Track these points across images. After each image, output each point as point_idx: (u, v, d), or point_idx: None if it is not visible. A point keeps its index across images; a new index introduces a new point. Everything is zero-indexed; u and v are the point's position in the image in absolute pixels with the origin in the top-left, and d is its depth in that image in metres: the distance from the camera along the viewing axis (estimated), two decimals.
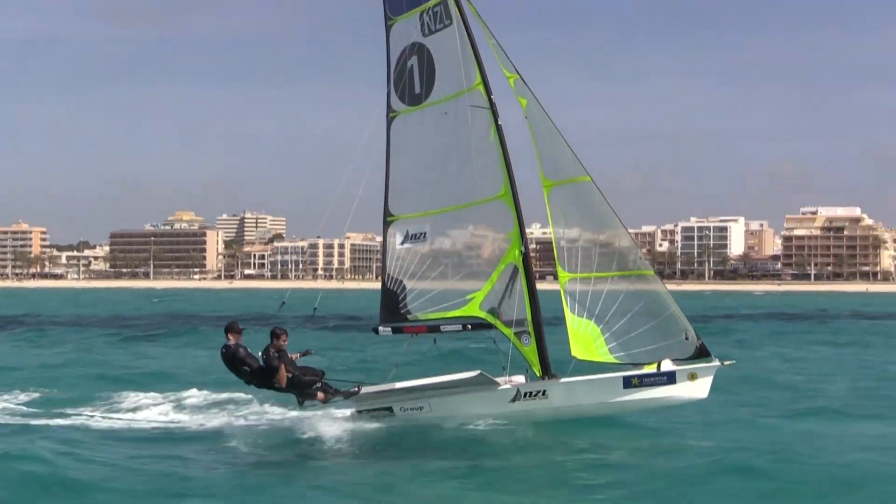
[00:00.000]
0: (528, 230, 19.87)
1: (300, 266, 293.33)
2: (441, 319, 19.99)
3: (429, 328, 20.12)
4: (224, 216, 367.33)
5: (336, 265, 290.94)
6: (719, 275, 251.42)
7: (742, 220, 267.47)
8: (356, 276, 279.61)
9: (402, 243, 20.73)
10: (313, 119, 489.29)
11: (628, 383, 18.51)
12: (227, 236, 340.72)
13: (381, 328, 20.62)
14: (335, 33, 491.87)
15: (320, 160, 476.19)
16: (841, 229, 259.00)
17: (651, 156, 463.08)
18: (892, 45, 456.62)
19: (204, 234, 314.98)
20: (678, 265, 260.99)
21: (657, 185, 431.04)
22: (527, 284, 19.22)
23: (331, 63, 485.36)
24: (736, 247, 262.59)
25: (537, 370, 19.00)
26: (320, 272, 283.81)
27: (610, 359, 19.12)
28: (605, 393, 18.64)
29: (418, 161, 20.67)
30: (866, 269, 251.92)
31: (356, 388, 19.12)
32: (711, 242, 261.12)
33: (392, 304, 20.69)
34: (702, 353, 18.58)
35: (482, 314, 19.54)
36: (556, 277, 19.44)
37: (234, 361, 18.87)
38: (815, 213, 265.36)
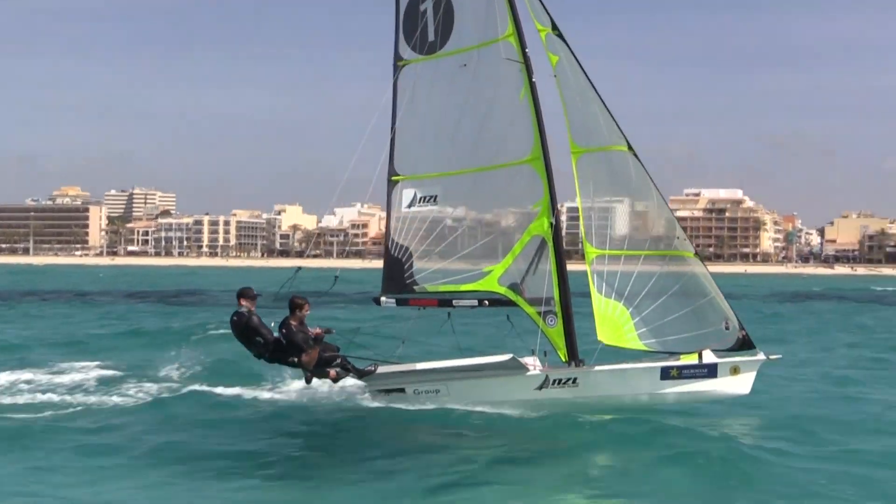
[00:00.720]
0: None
1: (184, 243, 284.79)
2: (454, 293, 18.16)
3: (440, 302, 18.24)
4: (112, 192, 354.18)
5: (221, 242, 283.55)
6: None
7: (627, 200, 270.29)
8: (241, 254, 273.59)
9: (409, 206, 18.75)
10: (210, 94, 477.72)
11: (666, 374, 17.03)
12: (114, 212, 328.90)
13: (383, 299, 18.63)
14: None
15: (213, 135, 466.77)
16: (723, 211, 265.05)
17: None
18: (794, 31, 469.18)
19: (87, 210, 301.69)
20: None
21: None
22: (556, 260, 17.50)
23: (228, 37, 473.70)
24: (620, 227, 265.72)
25: (562, 354, 17.35)
26: (205, 249, 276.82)
27: (639, 345, 17.49)
28: (640, 384, 17.15)
29: (430, 116, 18.66)
30: (746, 250, 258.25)
31: (373, 367, 17.21)
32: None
33: (396, 273, 18.72)
34: (745, 345, 17.04)
35: (502, 289, 17.76)
36: (582, 255, 17.80)
37: (248, 330, 16.83)
38: (698, 194, 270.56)
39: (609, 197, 17.94)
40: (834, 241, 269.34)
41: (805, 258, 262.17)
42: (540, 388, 17.01)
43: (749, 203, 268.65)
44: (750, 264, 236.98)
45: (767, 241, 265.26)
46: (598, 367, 17.13)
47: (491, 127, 17.97)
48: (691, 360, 17.14)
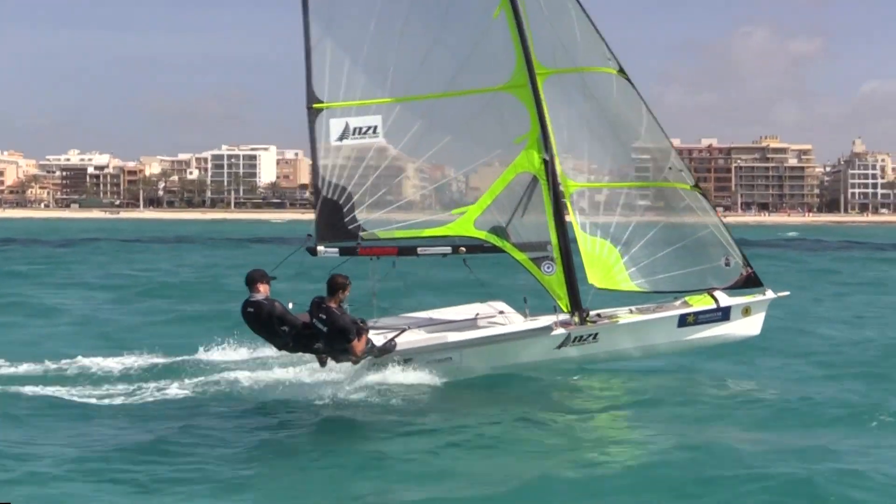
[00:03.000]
0: None
1: None
2: (416, 239, 15.59)
3: (401, 250, 15.56)
4: None
5: None
6: (247, 203, 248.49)
7: (274, 148, 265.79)
8: None
9: (341, 139, 15.75)
10: None
11: (683, 321, 15.74)
12: None
13: (321, 248, 15.54)
14: None
15: None
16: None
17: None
18: None
19: None
20: (208, 193, 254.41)
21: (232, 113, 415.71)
22: (551, 200, 15.35)
23: None
24: (266, 175, 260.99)
25: (564, 304, 15.33)
26: None
27: (632, 286, 16.13)
28: (659, 334, 15.70)
29: (363, 29, 15.54)
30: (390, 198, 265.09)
31: (393, 342, 14.43)
32: (241, 171, 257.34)
33: (334, 217, 15.66)
34: (749, 283, 16.14)
35: (481, 234, 15.34)
36: None
37: (271, 320, 13.58)
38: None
39: (586, 124, 15.93)
40: None
41: None
42: (560, 346, 15.09)
43: (393, 151, 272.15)
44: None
45: (410, 189, 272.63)
46: (620, 321, 15.45)
47: (449, 44, 15.36)
48: (707, 304, 15.94)
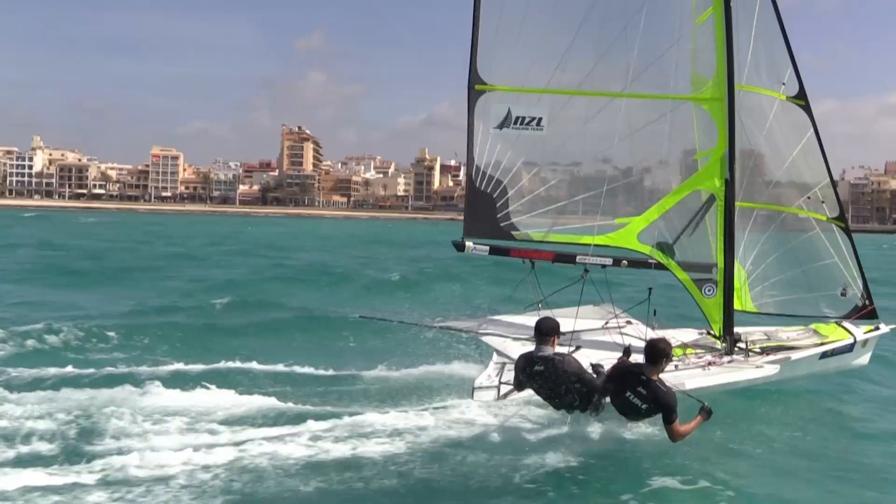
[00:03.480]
0: None
1: None
2: (574, 245, 14.43)
3: (557, 256, 14.40)
4: None
5: None
6: None
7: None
8: None
9: (500, 127, 14.52)
10: None
11: (824, 354, 15.12)
12: None
13: (469, 244, 14.38)
14: None
15: None
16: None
17: None
18: None
19: None
20: None
21: None
22: (725, 222, 14.16)
23: None
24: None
25: (717, 329, 14.35)
26: None
27: (750, 307, 15.60)
28: (807, 365, 14.91)
29: (540, 10, 14.14)
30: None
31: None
32: None
33: (485, 212, 14.47)
34: (865, 316, 15.69)
35: (645, 248, 14.15)
36: None
37: (564, 379, 11.56)
38: None
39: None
40: None
41: None
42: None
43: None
44: None
45: None
46: (794, 357, 14.50)
47: (637, 41, 13.93)
48: (842, 337, 15.46)
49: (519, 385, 12.04)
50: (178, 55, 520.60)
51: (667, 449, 11.60)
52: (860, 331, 15.71)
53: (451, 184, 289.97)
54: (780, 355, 14.25)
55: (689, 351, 14.30)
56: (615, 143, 14.43)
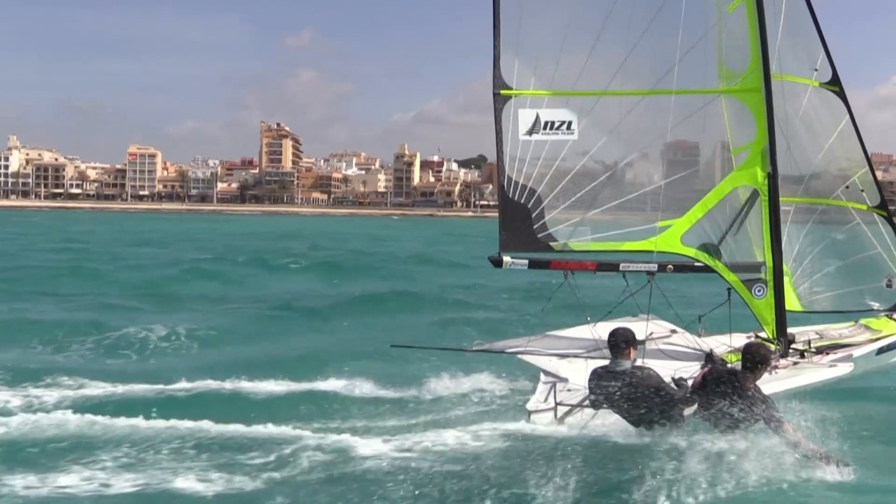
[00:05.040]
0: None
1: None
2: (616, 253, 13.87)
3: (599, 266, 13.82)
4: None
5: None
6: None
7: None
8: None
9: (530, 133, 13.94)
10: None
11: (880, 350, 14.64)
12: None
13: (507, 259, 13.79)
14: None
15: None
16: None
17: None
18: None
19: None
20: None
21: None
22: (770, 218, 13.62)
23: None
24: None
25: (770, 330, 13.78)
26: None
27: (796, 306, 15.10)
28: (867, 361, 14.39)
29: (562, 11, 13.55)
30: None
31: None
32: None
33: (521, 223, 13.85)
34: None
35: (690, 251, 13.59)
36: None
37: (646, 392, 10.97)
38: None
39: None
40: None
41: None
42: None
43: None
44: None
45: None
46: (856, 353, 14.12)
47: (665, 35, 13.43)
48: (881, 325, 15.13)
49: (594, 404, 11.50)
50: (169, 54, 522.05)
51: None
52: None
53: (431, 179, 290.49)
54: (840, 353, 13.80)
55: None
56: (649, 143, 13.95)
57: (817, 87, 14.53)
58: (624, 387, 11.02)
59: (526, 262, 13.82)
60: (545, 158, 13.87)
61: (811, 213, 15.15)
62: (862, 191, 15.06)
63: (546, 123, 13.85)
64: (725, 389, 10.75)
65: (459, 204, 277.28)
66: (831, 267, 15.17)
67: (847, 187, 15.06)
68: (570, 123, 13.84)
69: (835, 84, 14.57)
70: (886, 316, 15.32)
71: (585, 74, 13.77)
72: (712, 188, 13.71)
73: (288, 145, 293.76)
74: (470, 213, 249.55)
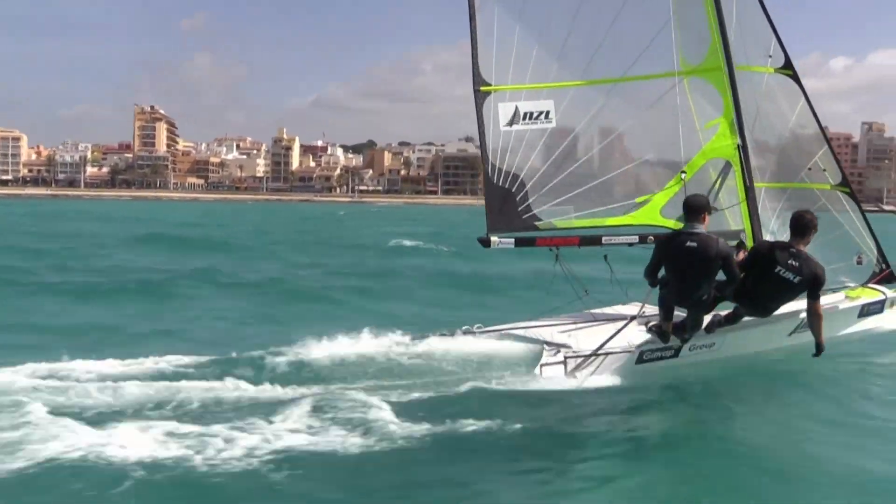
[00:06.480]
0: None
1: None
2: (599, 228, 15.13)
3: (583, 240, 15.05)
4: None
5: None
6: None
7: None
8: None
9: (510, 124, 15.09)
10: None
11: (862, 311, 15.47)
12: None
13: (495, 238, 14.88)
14: None
15: None
16: None
17: None
18: None
19: None
20: None
21: None
22: (745, 187, 14.66)
23: None
24: None
25: None
26: None
27: None
28: (846, 322, 15.34)
29: (533, 7, 14.71)
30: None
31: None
32: None
33: (507, 205, 14.87)
34: (884, 280, 15.95)
35: (669, 222, 14.43)
36: None
37: (712, 263, 12.10)
38: None
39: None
40: None
41: None
42: (791, 333, 14.43)
43: None
44: None
45: None
46: (845, 304, 15.04)
47: (631, 24, 14.46)
48: (874, 296, 15.64)
49: (661, 331, 12.82)
50: (61, 35, 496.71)
51: None
52: (889, 291, 15.88)
53: (311, 164, 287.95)
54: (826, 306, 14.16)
55: None
56: (624, 126, 15.06)
57: (773, 74, 15.33)
58: (698, 248, 12.18)
59: (512, 241, 14.81)
60: (526, 146, 14.87)
61: (779, 198, 15.65)
62: (824, 170, 15.68)
63: (525, 114, 14.90)
64: (780, 256, 11.99)
65: (339, 189, 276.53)
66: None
67: (809, 169, 15.69)
68: (548, 113, 14.93)
69: (788, 68, 15.39)
70: (862, 286, 15.85)
71: (560, 66, 14.84)
72: (686, 163, 14.74)
73: (162, 128, 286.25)
74: (346, 199, 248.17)
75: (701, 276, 12.28)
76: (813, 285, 11.95)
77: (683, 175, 14.63)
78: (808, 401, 13.30)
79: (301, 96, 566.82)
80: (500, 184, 15.00)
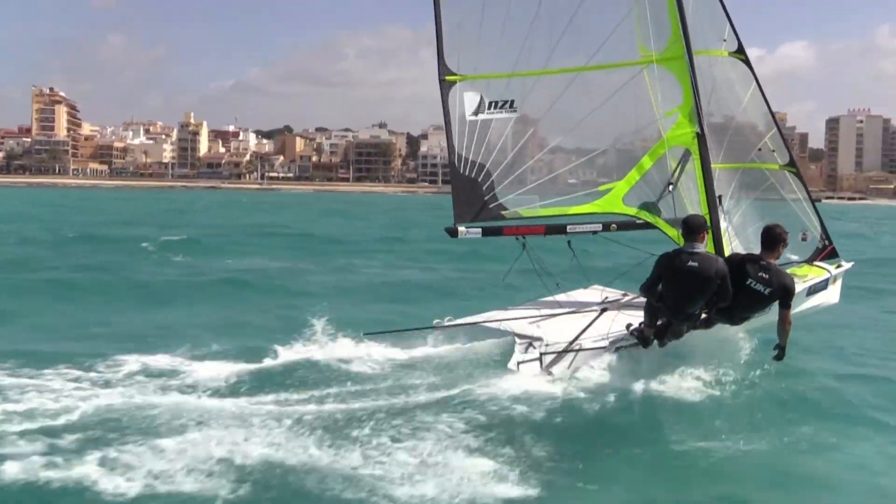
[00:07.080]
0: None
1: None
2: (563, 217, 15.26)
3: (548, 229, 15.18)
4: None
5: None
6: None
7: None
8: None
9: (476, 113, 15.13)
10: None
11: (810, 290, 15.80)
12: None
13: (462, 228, 14.90)
14: None
15: None
16: None
17: None
18: None
19: None
20: None
21: None
22: (703, 174, 14.84)
23: None
24: None
25: None
26: None
27: None
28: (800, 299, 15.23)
29: None
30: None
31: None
32: None
33: (473, 196, 14.95)
34: (826, 257, 16.67)
35: (631, 210, 14.74)
36: None
37: (711, 283, 12.30)
38: None
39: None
40: None
41: None
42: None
43: None
44: None
45: None
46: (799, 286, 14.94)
47: (594, 14, 14.60)
48: (819, 274, 16.21)
49: (651, 334, 12.85)
50: None
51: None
52: (831, 267, 16.54)
53: (221, 150, 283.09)
54: None
55: None
56: (587, 115, 15.13)
57: (727, 57, 15.77)
58: (699, 268, 12.32)
59: (479, 230, 14.96)
60: (491, 135, 14.99)
61: (731, 178, 16.10)
62: (773, 151, 16.24)
63: (490, 103, 14.97)
64: (751, 268, 12.36)
65: (249, 176, 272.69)
66: (751, 228, 16.00)
67: (759, 150, 16.22)
68: (512, 102, 15.01)
69: (741, 52, 15.85)
70: (807, 264, 16.45)
71: (524, 56, 14.91)
72: (647, 152, 14.94)
73: (62, 112, 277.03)
74: (255, 186, 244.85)
75: (699, 295, 12.49)
76: (784, 295, 12.36)
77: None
78: (807, 404, 13.40)
79: (222, 80, 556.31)
80: (467, 173, 15.07)
